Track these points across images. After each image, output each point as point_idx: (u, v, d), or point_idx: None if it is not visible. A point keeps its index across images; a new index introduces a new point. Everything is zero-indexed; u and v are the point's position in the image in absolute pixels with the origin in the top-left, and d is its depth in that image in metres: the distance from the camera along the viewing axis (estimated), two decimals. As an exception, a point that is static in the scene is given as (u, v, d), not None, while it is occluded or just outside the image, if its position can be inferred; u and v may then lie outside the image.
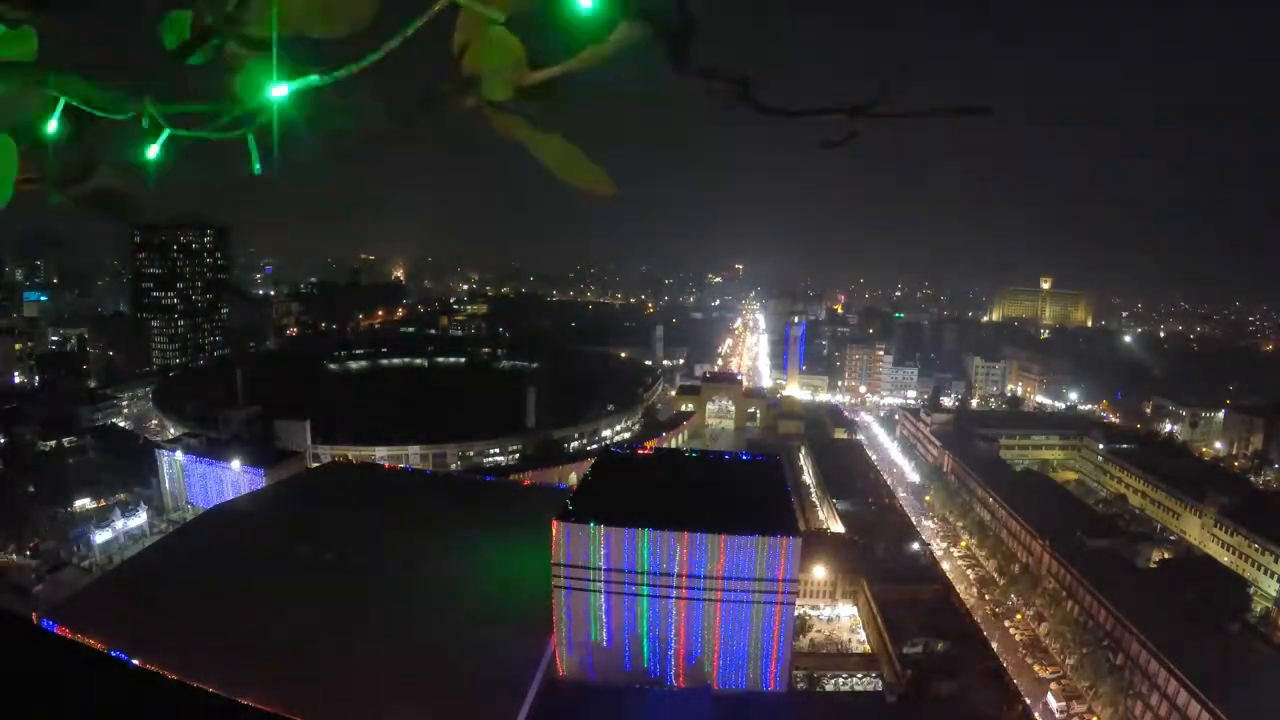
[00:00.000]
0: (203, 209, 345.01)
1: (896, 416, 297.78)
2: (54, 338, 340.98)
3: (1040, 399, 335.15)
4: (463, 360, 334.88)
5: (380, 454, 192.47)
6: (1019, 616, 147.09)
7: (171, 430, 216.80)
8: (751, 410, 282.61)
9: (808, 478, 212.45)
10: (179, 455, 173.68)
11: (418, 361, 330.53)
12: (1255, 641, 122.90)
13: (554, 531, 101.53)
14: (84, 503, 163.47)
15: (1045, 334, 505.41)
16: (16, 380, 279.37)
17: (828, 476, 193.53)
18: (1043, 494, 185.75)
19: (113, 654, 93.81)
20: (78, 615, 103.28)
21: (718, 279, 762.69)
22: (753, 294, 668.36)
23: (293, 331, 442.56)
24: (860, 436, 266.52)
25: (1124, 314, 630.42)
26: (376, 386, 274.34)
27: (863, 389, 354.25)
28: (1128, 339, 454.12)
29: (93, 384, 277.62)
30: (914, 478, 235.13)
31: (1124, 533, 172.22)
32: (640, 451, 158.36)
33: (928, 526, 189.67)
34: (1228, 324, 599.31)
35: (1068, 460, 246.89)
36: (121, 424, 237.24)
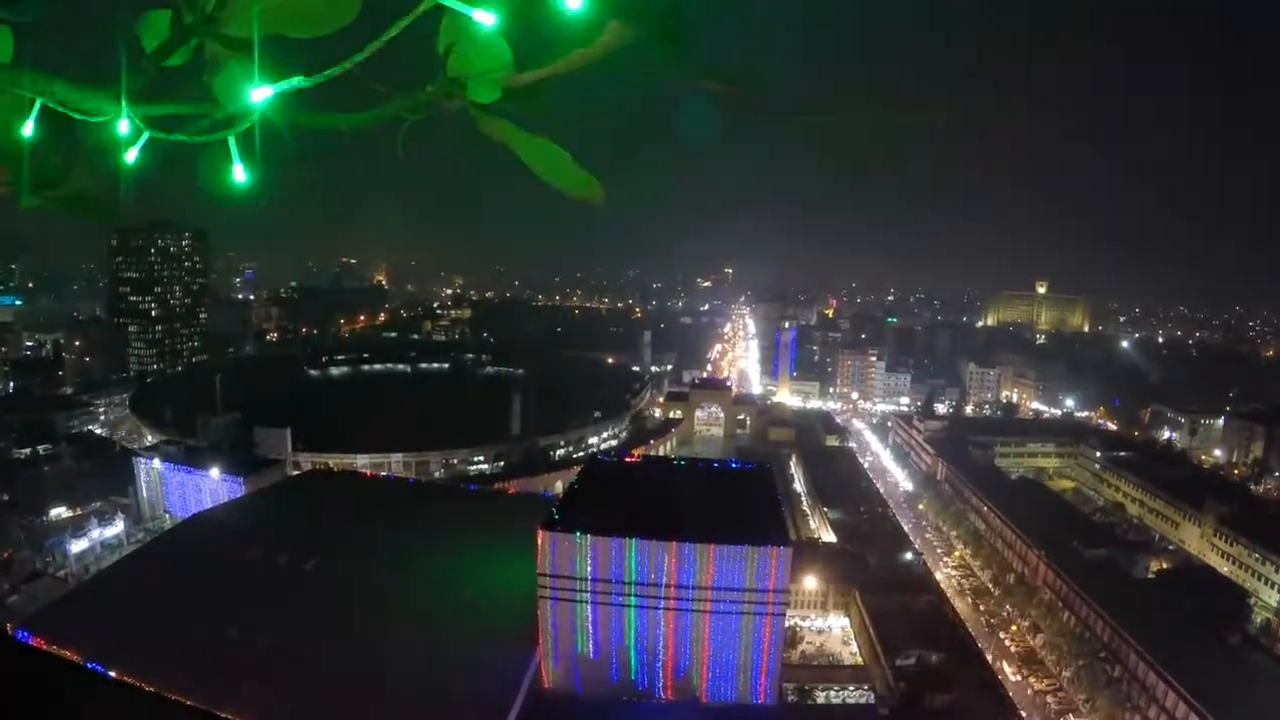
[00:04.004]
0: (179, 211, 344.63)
1: (889, 423, 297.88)
2: (29, 343, 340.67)
3: (1036, 405, 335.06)
4: (446, 366, 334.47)
5: (362, 462, 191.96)
6: (1014, 628, 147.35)
7: (149, 437, 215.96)
8: (741, 417, 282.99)
9: (799, 486, 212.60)
10: (156, 463, 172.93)
11: (400, 367, 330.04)
12: (1255, 653, 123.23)
13: (539, 541, 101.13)
14: (59, 511, 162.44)
15: (1041, 339, 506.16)
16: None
17: (819, 485, 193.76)
18: (1039, 503, 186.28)
19: (89, 666, 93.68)
20: (53, 626, 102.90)
21: (707, 283, 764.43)
22: (743, 298, 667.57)
23: (273, 336, 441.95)
24: (852, 444, 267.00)
25: (1121, 319, 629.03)
26: (358, 393, 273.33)
27: (855, 395, 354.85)
28: (1125, 344, 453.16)
29: (68, 390, 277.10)
30: (907, 486, 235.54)
31: (1121, 542, 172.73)
32: (628, 459, 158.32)
33: (921, 536, 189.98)
34: (1228, 329, 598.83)
35: (1064, 468, 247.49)
36: (98, 431, 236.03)
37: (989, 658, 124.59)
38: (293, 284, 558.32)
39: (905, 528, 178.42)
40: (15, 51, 4.87)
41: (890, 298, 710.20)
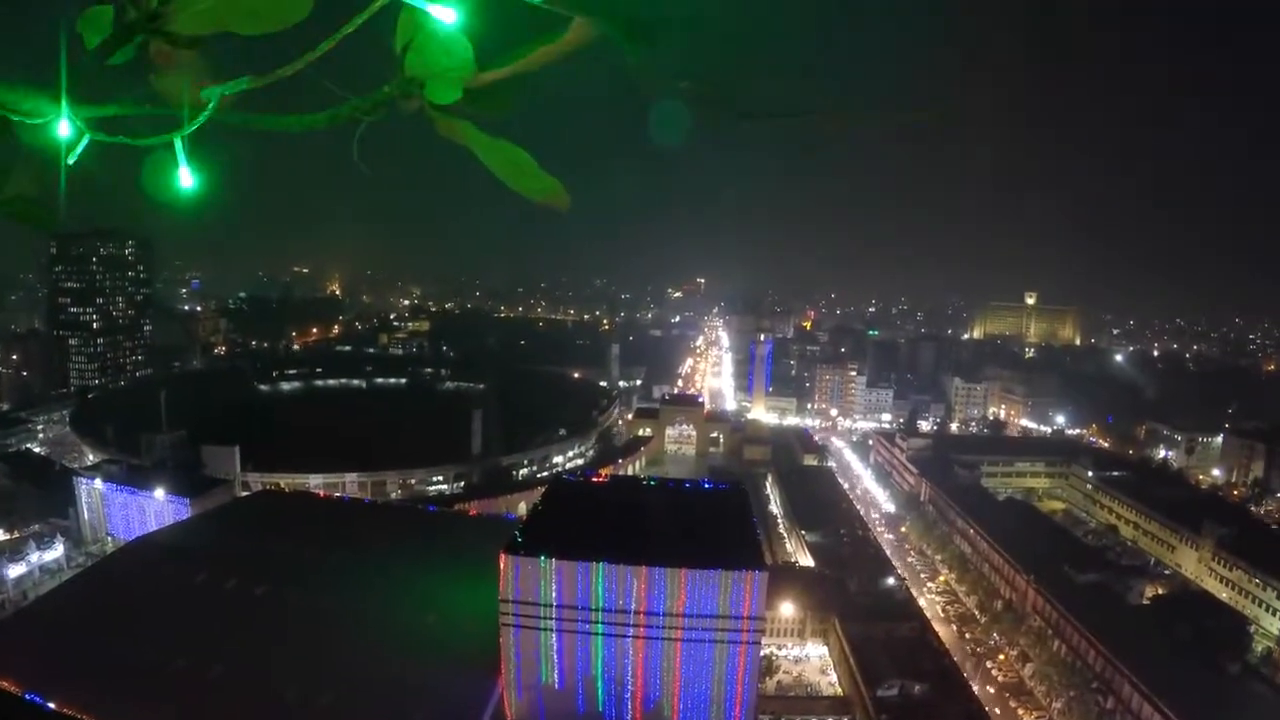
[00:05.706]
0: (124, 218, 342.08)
1: (870, 441, 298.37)
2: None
3: (1025, 423, 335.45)
4: (404, 381, 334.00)
5: (315, 482, 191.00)
6: (1002, 657, 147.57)
7: (90, 456, 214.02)
8: (714, 435, 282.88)
9: (775, 507, 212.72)
10: (98, 483, 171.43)
11: (355, 383, 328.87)
12: (1256, 683, 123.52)
13: (502, 565, 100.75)
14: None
15: (1030, 353, 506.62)
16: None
17: (796, 506, 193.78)
18: (1028, 525, 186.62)
19: (27, 697, 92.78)
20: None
21: (678, 294, 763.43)
22: (715, 310, 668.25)
23: (221, 350, 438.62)
24: (831, 463, 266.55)
25: (1115, 331, 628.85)
26: (311, 409, 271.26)
27: (834, 412, 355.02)
28: (1119, 358, 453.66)
29: (5, 407, 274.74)
30: (889, 507, 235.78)
31: (1115, 566, 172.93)
32: (594, 479, 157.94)
33: (904, 560, 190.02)
34: (1226, 342, 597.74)
35: (1054, 489, 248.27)
36: (36, 449, 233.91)
37: (975, 688, 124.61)
38: (242, 294, 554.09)
39: (887, 551, 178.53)
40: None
41: (871, 309, 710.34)
